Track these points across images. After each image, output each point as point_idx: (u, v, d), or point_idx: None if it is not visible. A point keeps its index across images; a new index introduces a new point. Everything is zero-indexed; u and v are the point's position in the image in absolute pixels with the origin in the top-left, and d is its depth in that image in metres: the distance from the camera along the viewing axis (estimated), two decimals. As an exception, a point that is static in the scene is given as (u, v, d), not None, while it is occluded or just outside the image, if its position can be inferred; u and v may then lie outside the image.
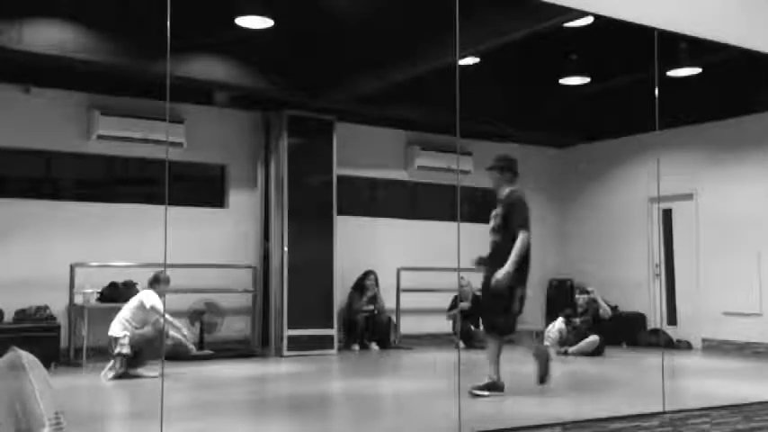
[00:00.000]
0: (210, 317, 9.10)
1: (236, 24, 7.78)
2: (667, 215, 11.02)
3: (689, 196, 10.62)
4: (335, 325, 9.79)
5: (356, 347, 10.03)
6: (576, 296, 9.93)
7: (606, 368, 8.49)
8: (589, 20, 7.30)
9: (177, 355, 8.33)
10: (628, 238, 11.37)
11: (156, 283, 7.40)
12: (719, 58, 8.23)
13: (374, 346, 10.09)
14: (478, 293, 10.66)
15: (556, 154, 12.66)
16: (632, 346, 10.55)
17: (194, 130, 9.31)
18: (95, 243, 8.74)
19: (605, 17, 5.78)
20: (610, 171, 11.86)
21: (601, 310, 9.60)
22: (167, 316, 7.20)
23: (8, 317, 8.15)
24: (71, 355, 8.31)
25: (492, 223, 6.55)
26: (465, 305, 10.21)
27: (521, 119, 11.08)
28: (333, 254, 9.85)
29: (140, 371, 7.19)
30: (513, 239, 6.25)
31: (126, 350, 7.12)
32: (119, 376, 7.08)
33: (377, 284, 10.29)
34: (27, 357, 3.55)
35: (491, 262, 6.40)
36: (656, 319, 10.86)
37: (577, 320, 9.66)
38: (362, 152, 10.70)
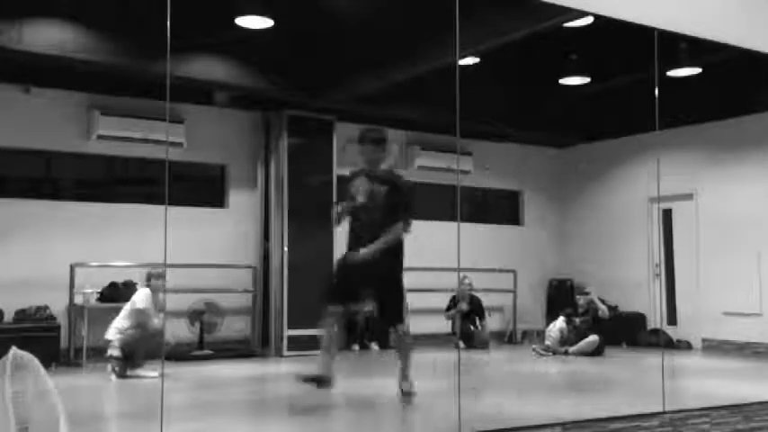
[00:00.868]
0: (210, 317, 9.10)
1: (236, 24, 7.78)
2: (667, 215, 11.02)
3: (689, 196, 10.62)
4: (335, 325, 9.78)
5: (356, 347, 10.03)
6: (576, 296, 9.93)
7: (606, 368, 8.49)
8: (589, 20, 7.30)
9: (177, 354, 8.34)
10: (628, 238, 11.37)
11: (149, 281, 7.41)
12: (719, 58, 8.23)
13: (374, 346, 10.08)
14: (476, 294, 10.70)
15: (556, 154, 12.67)
16: (632, 346, 10.55)
17: (194, 130, 9.30)
18: (95, 243, 8.74)
19: (605, 17, 5.77)
20: (610, 171, 11.86)
21: (599, 311, 9.61)
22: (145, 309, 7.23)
23: (8, 317, 8.15)
24: (71, 355, 8.31)
25: (363, 198, 5.78)
26: (464, 306, 10.21)
27: (521, 119, 11.08)
28: (333, 254, 9.83)
29: (139, 371, 7.18)
30: (387, 225, 5.63)
31: (116, 353, 7.15)
32: (120, 377, 7.09)
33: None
34: (14, 359, 3.48)
35: (357, 239, 5.74)
36: (656, 319, 10.86)
37: (578, 320, 9.66)
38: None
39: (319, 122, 9.91)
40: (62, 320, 8.38)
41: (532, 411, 5.38)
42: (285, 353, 9.29)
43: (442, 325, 10.59)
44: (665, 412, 5.24)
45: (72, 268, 8.46)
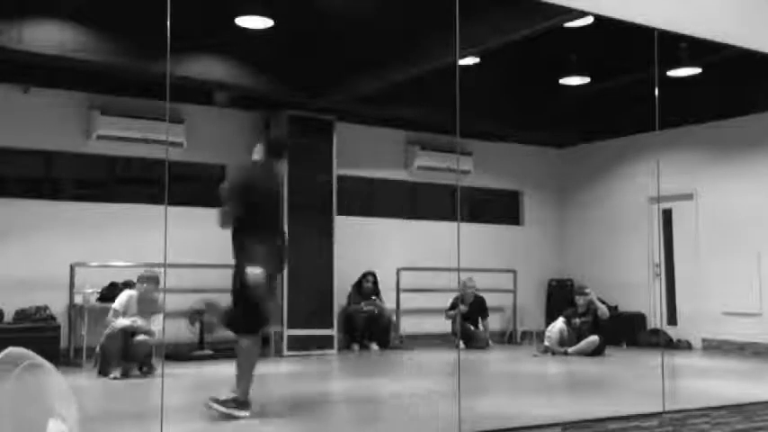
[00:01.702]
0: (210, 317, 9.09)
1: (236, 24, 7.78)
2: (667, 215, 11.02)
3: (689, 196, 10.62)
4: (335, 325, 9.80)
5: (356, 347, 10.03)
6: (576, 296, 9.93)
7: (606, 368, 8.49)
8: (589, 20, 7.30)
9: (177, 354, 8.34)
10: (628, 238, 11.37)
11: (136, 283, 7.52)
12: (719, 58, 8.23)
13: (374, 346, 10.08)
14: (479, 294, 10.71)
15: (556, 154, 12.67)
16: (632, 346, 10.55)
17: (194, 130, 9.30)
18: (95, 243, 8.74)
19: (605, 17, 5.77)
20: (610, 171, 11.86)
21: (599, 312, 9.61)
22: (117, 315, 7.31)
23: (8, 317, 8.15)
24: (71, 355, 8.31)
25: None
26: (463, 308, 10.21)
27: (521, 119, 11.09)
28: (333, 254, 9.85)
29: (113, 373, 7.17)
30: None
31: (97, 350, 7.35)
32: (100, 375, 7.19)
33: (376, 285, 10.29)
34: (23, 357, 3.49)
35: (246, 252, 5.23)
36: (656, 319, 10.86)
37: (578, 321, 9.66)
38: (362, 152, 10.71)
39: (319, 122, 9.91)
40: (62, 320, 8.38)
41: (532, 411, 5.38)
42: (285, 353, 9.28)
43: (443, 325, 10.59)
44: (665, 412, 5.24)
45: (72, 268, 8.46)
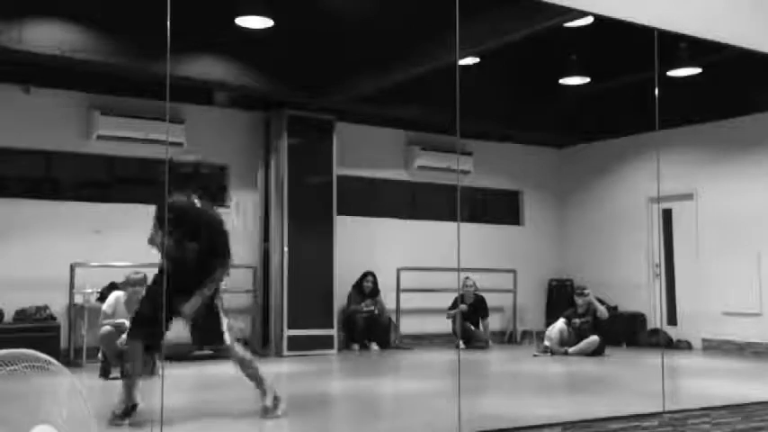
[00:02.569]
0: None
1: (236, 24, 7.78)
2: (667, 215, 11.02)
3: (689, 196, 10.62)
4: (335, 325, 9.80)
5: (356, 347, 10.03)
6: (575, 297, 9.93)
7: (606, 368, 8.49)
8: (589, 20, 7.30)
9: (177, 354, 8.32)
10: (628, 238, 11.37)
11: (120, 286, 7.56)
12: (719, 58, 8.23)
13: (374, 346, 10.09)
14: (479, 293, 10.71)
15: (556, 154, 12.67)
16: (632, 346, 10.56)
17: (194, 130, 9.30)
18: (95, 243, 8.74)
19: (605, 17, 5.77)
20: (610, 171, 11.86)
21: (598, 312, 9.61)
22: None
23: (8, 317, 8.15)
24: (71, 355, 8.31)
25: (170, 238, 5.07)
26: (464, 308, 10.21)
27: (521, 119, 11.09)
28: (333, 254, 9.86)
29: (113, 373, 7.19)
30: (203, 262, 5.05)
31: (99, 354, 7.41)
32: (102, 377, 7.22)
33: (376, 285, 10.29)
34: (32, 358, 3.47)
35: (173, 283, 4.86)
36: (656, 319, 10.86)
37: (578, 321, 9.66)
38: (362, 152, 10.71)
39: (319, 122, 9.91)
40: (62, 320, 8.39)
41: (532, 411, 5.38)
42: (285, 353, 9.29)
43: (443, 325, 10.60)
44: (665, 412, 5.24)
45: (72, 268, 8.46)
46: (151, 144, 8.86)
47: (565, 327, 9.66)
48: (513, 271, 11.52)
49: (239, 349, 5.26)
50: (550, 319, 10.51)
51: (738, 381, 7.55)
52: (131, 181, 9.71)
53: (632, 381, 7.65)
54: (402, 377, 8.27)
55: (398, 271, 10.56)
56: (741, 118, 10.00)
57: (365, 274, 10.25)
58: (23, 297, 8.23)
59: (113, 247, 8.75)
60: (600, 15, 5.85)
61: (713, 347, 10.28)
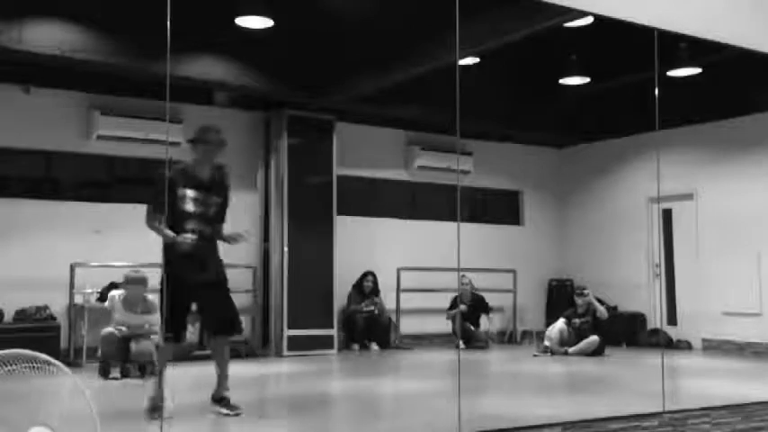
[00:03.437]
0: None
1: (236, 24, 7.78)
2: (667, 215, 11.02)
3: (689, 196, 10.62)
4: (335, 325, 9.80)
5: (356, 347, 10.03)
6: (575, 297, 9.93)
7: (606, 368, 8.49)
8: (589, 20, 7.30)
9: (177, 355, 8.32)
10: (628, 238, 11.37)
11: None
12: (719, 58, 8.23)
13: (374, 346, 10.09)
14: (477, 293, 10.71)
15: (556, 154, 12.67)
16: (632, 346, 10.56)
17: (194, 129, 9.28)
18: (95, 243, 8.73)
19: (605, 17, 5.77)
20: (610, 171, 11.86)
21: (597, 313, 9.62)
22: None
23: (8, 317, 8.15)
24: (71, 356, 8.31)
25: (198, 207, 5.19)
26: (463, 308, 10.21)
27: (521, 119, 11.09)
28: (333, 254, 9.86)
29: (113, 373, 7.22)
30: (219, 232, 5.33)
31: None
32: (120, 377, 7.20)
33: (376, 285, 10.29)
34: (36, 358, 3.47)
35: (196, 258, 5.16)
36: (656, 319, 10.86)
37: (578, 321, 9.66)
38: (362, 152, 10.71)
39: (319, 122, 9.91)
40: (62, 320, 8.38)
41: (532, 411, 5.39)
42: (285, 353, 9.29)
43: (443, 325, 10.60)
44: (665, 412, 5.24)
45: (72, 268, 8.45)
46: (151, 144, 8.86)
47: (565, 327, 9.66)
48: (513, 271, 11.52)
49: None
50: (550, 319, 10.51)
51: (738, 381, 7.55)
52: (131, 181, 9.71)
53: (632, 381, 7.65)
54: (402, 377, 8.27)
55: (398, 271, 10.56)
56: (741, 118, 10.00)
57: (365, 274, 10.25)
58: (23, 297, 8.23)
59: (113, 247, 8.75)
60: (600, 15, 5.85)
61: (713, 347, 10.28)
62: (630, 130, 10.74)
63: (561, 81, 9.94)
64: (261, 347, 9.54)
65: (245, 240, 5.50)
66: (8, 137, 8.50)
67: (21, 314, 8.17)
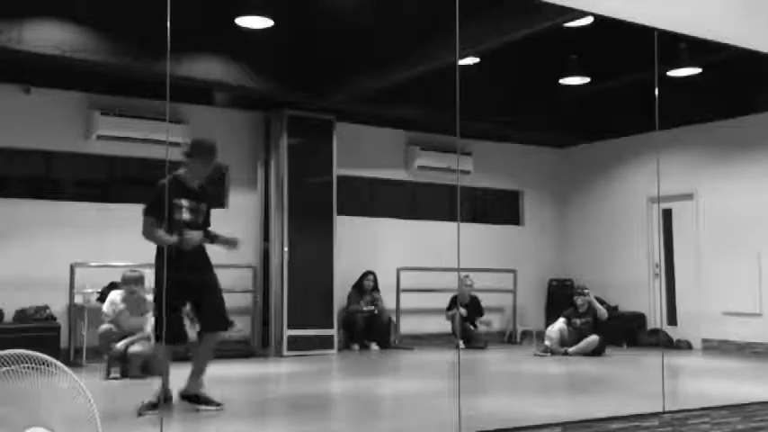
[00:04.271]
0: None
1: (236, 24, 7.78)
2: (667, 215, 11.02)
3: (689, 196, 10.63)
4: (335, 325, 9.80)
5: (356, 347, 10.03)
6: (575, 297, 9.93)
7: (606, 368, 8.49)
8: (589, 20, 7.30)
9: (177, 354, 8.32)
10: (628, 238, 11.37)
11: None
12: (719, 58, 8.23)
13: (374, 346, 10.09)
14: (474, 295, 10.71)
15: (556, 154, 12.67)
16: (632, 346, 10.56)
17: (194, 130, 9.29)
18: (95, 243, 8.73)
19: (605, 17, 5.77)
20: (610, 171, 11.86)
21: (597, 313, 9.62)
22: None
23: (8, 317, 8.15)
24: (71, 356, 8.31)
25: (191, 216, 5.50)
26: (463, 312, 10.20)
27: (521, 119, 11.08)
28: (333, 254, 9.86)
29: (113, 373, 7.25)
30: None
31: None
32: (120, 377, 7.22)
33: (376, 285, 10.30)
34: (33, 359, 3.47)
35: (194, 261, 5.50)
36: (656, 319, 10.86)
37: (578, 321, 9.66)
38: (362, 152, 10.71)
39: (319, 122, 9.91)
40: (62, 320, 8.38)
41: (532, 411, 5.39)
42: (285, 353, 9.29)
43: (443, 325, 10.60)
44: (665, 412, 5.24)
45: (72, 268, 8.46)
46: (151, 144, 8.85)
47: (565, 327, 9.66)
48: (513, 271, 11.52)
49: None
50: (550, 319, 10.50)
51: (738, 381, 7.56)
52: (131, 181, 9.72)
53: (632, 381, 7.65)
54: (402, 377, 8.27)
55: (398, 271, 10.56)
56: (741, 118, 10.00)
57: (365, 273, 10.25)
58: (23, 297, 8.23)
59: (113, 247, 8.75)
60: (600, 15, 5.85)
61: (713, 347, 10.28)
62: (630, 130, 10.74)
63: (561, 81, 9.94)
64: (261, 347, 9.54)
65: (235, 249, 5.73)
66: (8, 137, 8.50)
67: (21, 314, 8.17)
